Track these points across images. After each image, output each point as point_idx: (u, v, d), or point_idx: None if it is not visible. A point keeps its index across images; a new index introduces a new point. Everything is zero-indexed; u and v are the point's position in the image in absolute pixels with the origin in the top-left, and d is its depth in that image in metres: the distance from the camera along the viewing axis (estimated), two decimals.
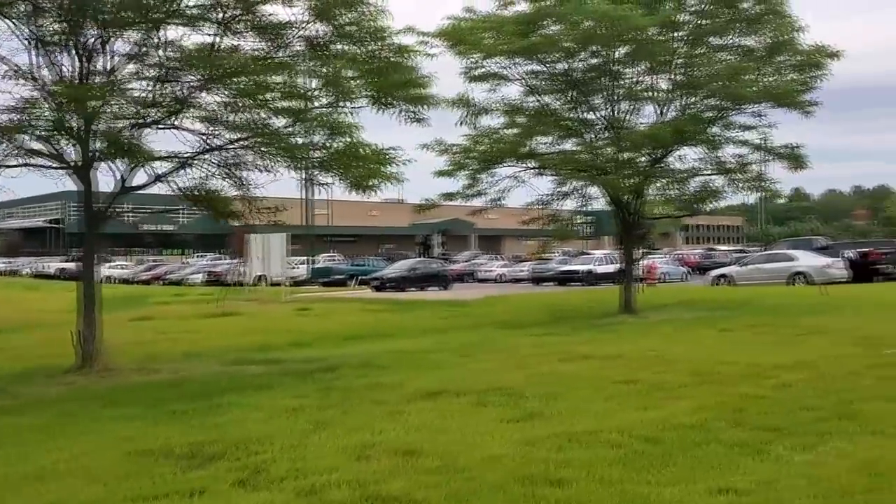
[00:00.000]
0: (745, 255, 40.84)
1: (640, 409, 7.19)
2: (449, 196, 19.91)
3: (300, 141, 10.01)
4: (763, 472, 5.02)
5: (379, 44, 9.45)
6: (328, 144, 9.25)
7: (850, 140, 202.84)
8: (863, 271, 30.75)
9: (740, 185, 18.21)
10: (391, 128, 17.84)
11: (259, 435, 6.29)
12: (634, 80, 17.76)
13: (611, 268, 42.38)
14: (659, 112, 18.18)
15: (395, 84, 9.77)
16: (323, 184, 9.46)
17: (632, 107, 18.26)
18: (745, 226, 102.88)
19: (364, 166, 9.18)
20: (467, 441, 5.96)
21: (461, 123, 17.99)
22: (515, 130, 18.15)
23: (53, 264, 54.61)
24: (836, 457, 5.34)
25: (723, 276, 31.35)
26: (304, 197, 42.38)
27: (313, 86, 9.75)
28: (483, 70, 17.68)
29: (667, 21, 16.14)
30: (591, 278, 39.91)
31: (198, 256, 61.79)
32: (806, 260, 29.29)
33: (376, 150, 9.27)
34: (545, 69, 17.54)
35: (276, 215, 10.66)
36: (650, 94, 17.86)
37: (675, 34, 17.20)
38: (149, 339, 16.03)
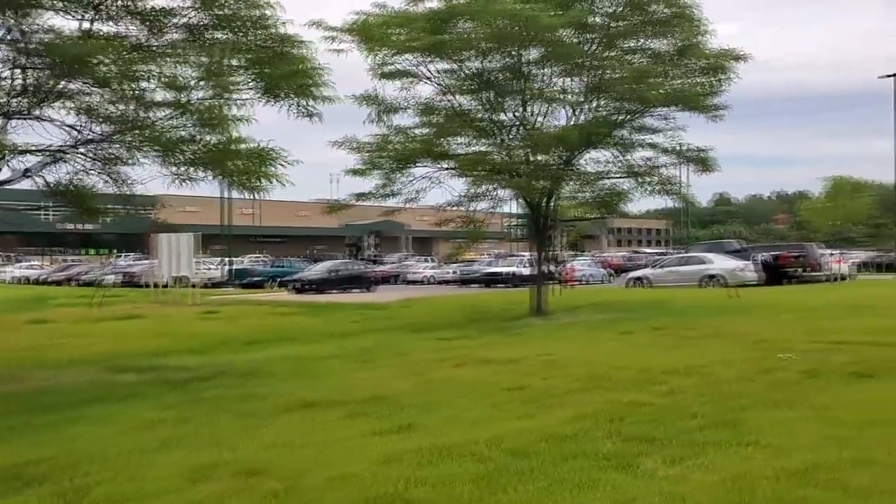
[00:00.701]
0: (663, 257, 41.53)
1: (519, 417, 6.89)
2: (362, 196, 19.45)
3: (182, 134, 9.39)
4: (623, 490, 4.73)
5: (261, 33, 8.93)
6: (200, 139, 8.67)
7: (775, 147, 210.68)
8: (774, 274, 31.54)
9: (649, 188, 18.26)
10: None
11: (98, 453, 5.73)
12: (547, 81, 17.59)
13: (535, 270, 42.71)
14: (572, 114, 18.12)
15: (282, 76, 9.26)
16: (194, 180, 8.84)
17: (545, 109, 18.12)
18: (670, 229, 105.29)
19: (242, 164, 8.64)
20: (323, 458, 5.52)
21: (370, 121, 17.56)
22: (427, 130, 17.77)
23: None
24: (703, 471, 5.10)
25: (639, 278, 31.73)
26: (223, 196, 41.13)
27: (193, 76, 9.12)
28: (393, 67, 17.26)
29: (577, 23, 16.02)
30: (515, 280, 39.97)
31: (118, 257, 59.66)
32: (718, 263, 29.85)
33: (256, 148, 8.76)
34: (457, 68, 17.23)
35: (159, 214, 9.99)
36: (563, 96, 17.73)
37: (588, 36, 17.12)
38: (39, 343, 15.14)
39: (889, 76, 41.59)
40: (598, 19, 17.61)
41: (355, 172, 18.63)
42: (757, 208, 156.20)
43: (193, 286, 26.35)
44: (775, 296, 22.70)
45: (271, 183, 8.92)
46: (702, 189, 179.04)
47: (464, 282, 47.27)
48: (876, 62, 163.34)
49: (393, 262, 65.73)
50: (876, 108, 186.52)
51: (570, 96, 17.61)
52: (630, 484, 4.84)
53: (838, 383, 8.38)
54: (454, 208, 19.10)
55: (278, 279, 37.86)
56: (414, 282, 54.79)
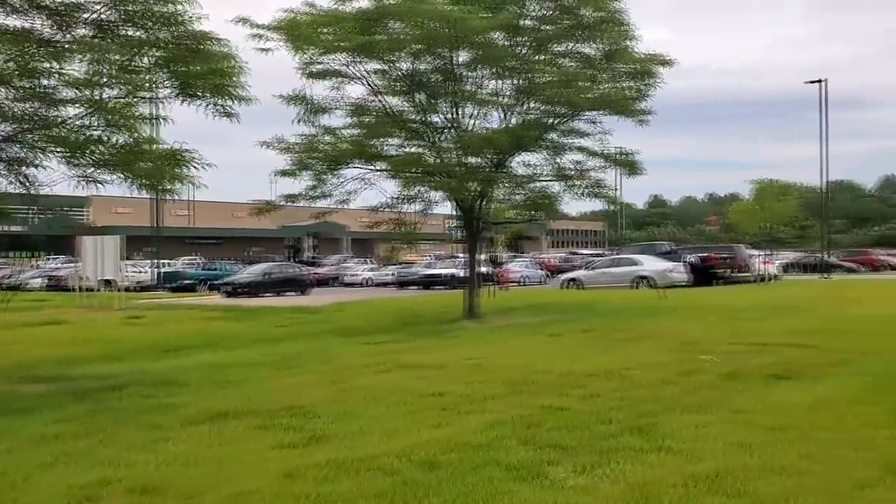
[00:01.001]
0: (596, 258, 42.05)
1: (435, 425, 6.76)
2: (291, 197, 19.10)
3: (90, 135, 8.97)
4: (529, 502, 4.64)
5: (174, 30, 8.60)
6: (108, 139, 8.28)
7: (708, 150, 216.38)
8: (703, 275, 32.23)
9: (579, 191, 18.39)
10: None
11: None
12: (479, 84, 17.56)
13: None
14: (503, 117, 18.13)
15: (197, 74, 8.93)
16: (101, 182, 8.45)
17: (477, 111, 18.08)
18: (607, 230, 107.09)
19: (152, 166, 8.29)
20: (225, 474, 5.28)
21: (298, 121, 17.25)
22: (357, 131, 17.55)
23: None
24: (612, 480, 5.05)
25: (572, 279, 32.02)
26: (155, 197, 39.94)
27: (103, 73, 8.71)
28: (323, 67, 16.98)
29: (508, 25, 15.99)
30: (453, 282, 39.92)
31: (47, 259, 57.58)
32: (649, 264, 30.35)
33: (168, 149, 8.43)
34: (388, 69, 17.06)
35: (88, 215, 9.52)
36: (494, 98, 17.72)
37: (518, 39, 17.13)
38: None
39: (814, 82, 43.05)
40: (528, 22, 17.66)
41: (284, 174, 18.29)
42: (690, 210, 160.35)
43: (120, 290, 25.50)
44: (702, 297, 23.16)
45: (182, 185, 8.61)
46: (637, 191, 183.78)
47: (402, 284, 47.06)
48: (801, 69, 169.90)
49: (331, 264, 65.13)
50: (803, 114, 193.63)
51: (501, 99, 17.60)
52: (537, 496, 4.75)
53: (756, 386, 8.49)
54: (387, 210, 18.91)
55: (210, 282, 36.99)
56: (352, 284, 54.30)
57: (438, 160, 17.32)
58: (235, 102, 9.71)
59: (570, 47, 17.85)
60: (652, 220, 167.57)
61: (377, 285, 51.91)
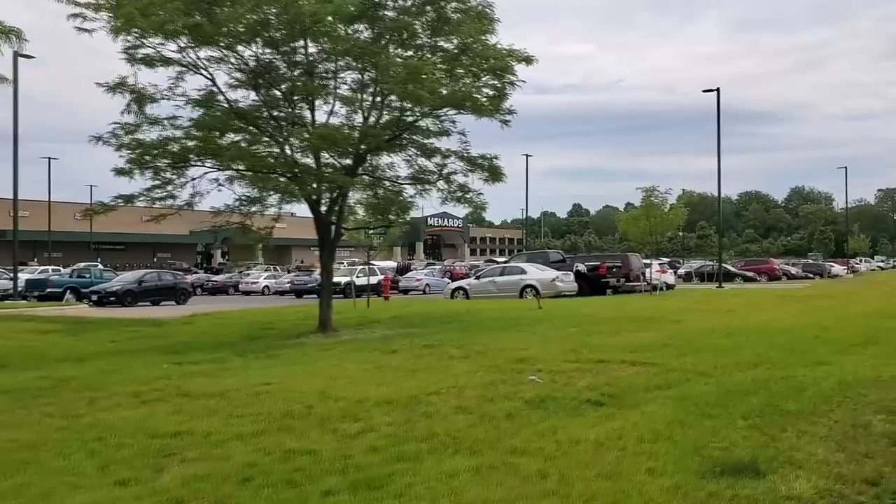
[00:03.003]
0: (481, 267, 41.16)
1: (115, 483, 5.32)
2: (128, 198, 17.24)
3: None
4: None
5: None
6: None
7: (632, 161, 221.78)
8: (595, 285, 31.61)
9: (442, 195, 17.23)
10: None
11: None
12: (328, 78, 16.16)
13: (373, 279, 41.38)
14: (366, 116, 16.76)
15: None
16: None
17: (331, 108, 16.69)
18: (525, 239, 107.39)
19: None
20: None
21: (126, 112, 15.50)
22: (189, 123, 15.88)
23: None
24: None
25: (460, 288, 30.91)
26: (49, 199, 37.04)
27: None
28: (155, 53, 15.27)
29: (347, 15, 14.49)
30: (353, 291, 38.35)
31: None
32: (534, 273, 29.44)
33: None
34: (224, 56, 15.48)
35: None
36: (346, 95, 16.35)
37: (369, 29, 15.82)
38: None
39: (711, 90, 43.37)
40: (390, 13, 16.37)
41: (119, 172, 16.46)
42: (609, 219, 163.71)
43: None
44: (578, 307, 22.28)
45: None
46: (561, 200, 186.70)
47: (299, 293, 45.27)
48: (721, 81, 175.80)
49: (232, 272, 62.61)
50: (730, 127, 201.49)
51: (350, 93, 16.24)
52: None
53: (558, 415, 7.36)
54: (235, 213, 17.26)
55: (81, 290, 34.38)
56: (250, 292, 52.14)
57: (283, 158, 15.81)
58: None
59: (432, 41, 16.62)
60: (572, 228, 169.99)
61: (276, 293, 49.94)
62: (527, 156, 70.26)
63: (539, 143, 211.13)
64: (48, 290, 34.95)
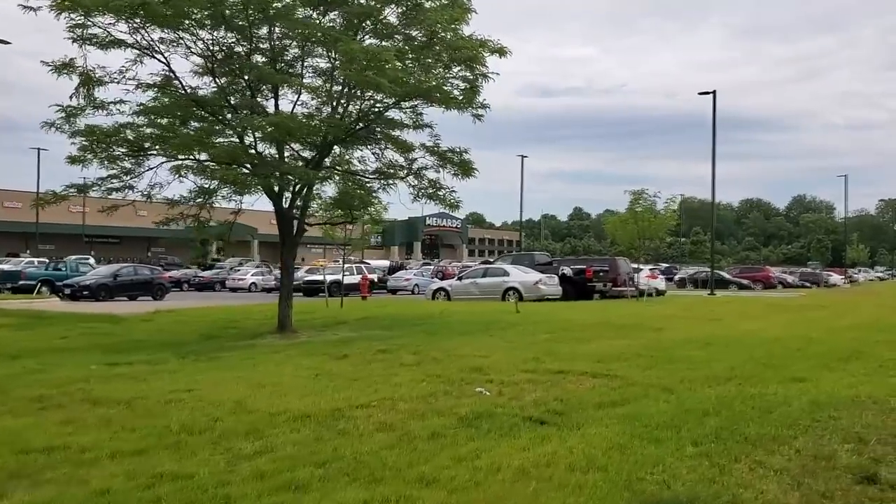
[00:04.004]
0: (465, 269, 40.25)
1: None
2: (81, 188, 16.41)
3: None
4: None
5: None
6: None
7: (633, 165, 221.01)
8: (581, 288, 30.69)
9: (418, 192, 16.35)
10: None
11: None
12: (292, 64, 15.30)
13: (357, 278, 40.65)
14: (331, 105, 15.90)
15: None
16: None
17: (296, 97, 15.83)
18: (522, 240, 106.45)
19: None
20: None
21: (75, 96, 14.63)
22: (138, 108, 15.01)
23: None
24: None
25: (441, 289, 30.01)
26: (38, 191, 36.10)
27: None
28: (104, 32, 14.39)
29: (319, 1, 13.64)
30: (339, 289, 37.61)
31: None
32: (517, 276, 28.51)
33: None
34: (178, 37, 14.61)
35: None
36: (310, 83, 15.49)
37: (333, 15, 14.96)
38: None
39: (707, 93, 42.57)
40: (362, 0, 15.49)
41: (73, 160, 15.61)
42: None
43: None
44: (557, 312, 21.41)
45: None
46: (562, 203, 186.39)
47: None
48: (723, 88, 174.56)
49: (222, 268, 61.71)
50: (729, 134, 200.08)
51: (319, 83, 15.39)
52: None
53: (493, 434, 6.51)
54: (191, 205, 16.39)
55: (54, 283, 33.51)
56: (237, 289, 51.25)
57: (241, 148, 14.95)
58: None
59: (405, 31, 15.74)
60: (572, 231, 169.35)
61: (263, 290, 49.08)
62: (522, 156, 69.45)
63: (541, 145, 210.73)
64: (21, 282, 34.07)
